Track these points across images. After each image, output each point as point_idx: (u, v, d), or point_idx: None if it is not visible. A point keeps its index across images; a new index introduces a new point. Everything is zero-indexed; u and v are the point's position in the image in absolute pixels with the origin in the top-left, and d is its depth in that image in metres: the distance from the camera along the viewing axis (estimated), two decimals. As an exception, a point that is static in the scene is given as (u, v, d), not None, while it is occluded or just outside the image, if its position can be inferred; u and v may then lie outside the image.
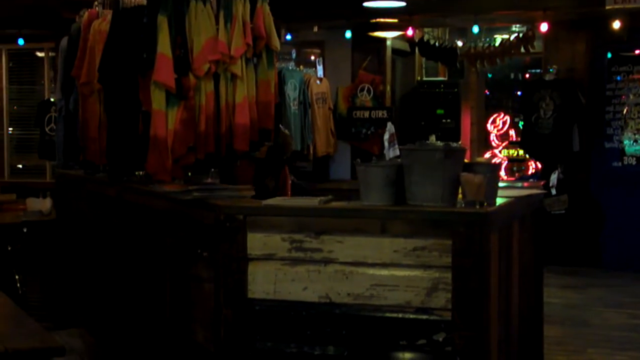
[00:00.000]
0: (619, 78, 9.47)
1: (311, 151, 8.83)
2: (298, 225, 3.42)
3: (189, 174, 4.59)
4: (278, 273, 3.44)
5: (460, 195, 3.42)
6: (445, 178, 3.34)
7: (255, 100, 4.44)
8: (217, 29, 4.27)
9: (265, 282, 3.46)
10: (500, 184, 4.37)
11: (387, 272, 3.32)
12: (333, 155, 9.37)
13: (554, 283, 8.31)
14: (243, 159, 4.90)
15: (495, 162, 3.28)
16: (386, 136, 9.92)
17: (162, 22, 4.21)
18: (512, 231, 3.82)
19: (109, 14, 5.12)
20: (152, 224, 4.38)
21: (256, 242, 3.46)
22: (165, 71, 4.15)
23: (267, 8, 4.47)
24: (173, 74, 4.17)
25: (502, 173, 11.83)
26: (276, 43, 4.45)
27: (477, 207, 3.31)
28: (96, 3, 5.53)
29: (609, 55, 9.47)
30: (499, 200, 3.61)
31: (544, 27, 8.83)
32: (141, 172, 4.83)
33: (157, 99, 4.20)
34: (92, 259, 5.58)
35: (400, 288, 3.30)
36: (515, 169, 11.64)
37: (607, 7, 8.05)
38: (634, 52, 9.41)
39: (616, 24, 8.79)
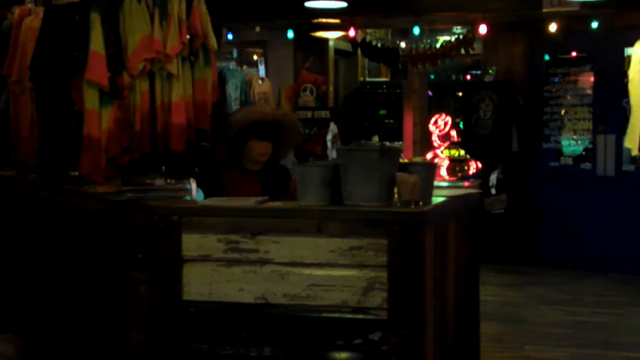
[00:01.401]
0: (556, 80, 9.63)
1: (253, 151, 8.78)
2: (234, 226, 3.39)
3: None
4: (213, 274, 3.41)
5: (396, 195, 3.43)
6: (381, 178, 3.34)
7: (192, 100, 4.38)
8: (153, 27, 4.21)
9: (201, 283, 3.42)
10: (442, 184, 4.41)
11: (324, 272, 3.31)
12: (275, 155, 9.34)
13: (492, 281, 8.42)
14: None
15: (430, 162, 3.30)
16: (329, 136, 9.97)
17: (95, 19, 4.14)
18: (448, 230, 3.85)
19: (41, 11, 5.02)
20: (86, 226, 4.31)
21: (191, 243, 3.42)
22: (98, 69, 4.08)
23: (204, 7, 4.42)
24: (106, 72, 4.10)
25: (444, 173, 11.95)
26: (213, 42, 4.40)
27: (413, 206, 3.32)
28: (28, 0, 5.42)
29: (547, 57, 9.63)
30: (435, 200, 3.63)
31: (482, 29, 8.93)
32: (75, 173, 4.74)
33: (90, 98, 4.13)
34: (24, 262, 5.46)
35: (336, 288, 3.30)
36: (457, 169, 11.76)
37: (544, 10, 8.19)
38: (570, 54, 9.59)
39: (553, 27, 8.93)
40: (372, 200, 3.34)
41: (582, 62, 9.49)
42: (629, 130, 6.47)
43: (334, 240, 3.29)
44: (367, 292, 3.27)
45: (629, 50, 6.82)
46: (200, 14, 4.38)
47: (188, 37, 4.36)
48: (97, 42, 4.12)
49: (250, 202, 3.50)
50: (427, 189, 3.52)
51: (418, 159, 9.13)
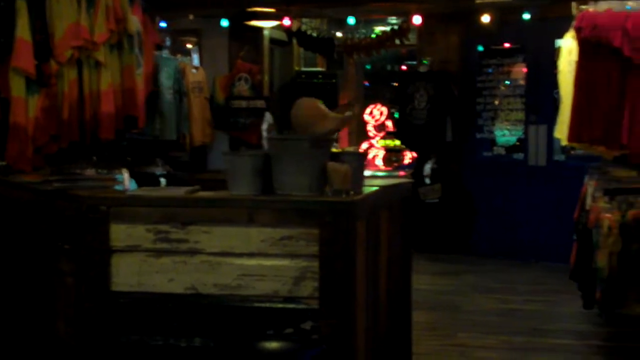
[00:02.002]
0: (490, 70, 9.76)
1: (187, 141, 8.71)
2: (163, 216, 3.35)
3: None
4: (143, 265, 3.36)
5: (327, 185, 3.42)
6: (312, 167, 3.33)
7: (120, 88, 4.32)
8: (79, 15, 4.12)
9: (130, 274, 3.37)
10: (377, 174, 4.44)
11: (255, 262, 3.29)
12: (210, 145, 9.28)
13: (426, 270, 8.52)
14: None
15: (361, 152, 3.31)
16: (264, 126, 9.88)
17: (21, 6, 4.05)
18: (379, 219, 3.86)
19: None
20: (12, 216, 4.20)
21: (120, 233, 3.36)
22: (24, 57, 4.00)
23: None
24: (33, 59, 4.02)
25: (380, 163, 12.02)
26: (131, 27, 4.34)
27: (344, 196, 3.32)
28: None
29: (480, 48, 9.75)
30: (367, 189, 3.63)
31: (417, 19, 9.00)
32: (3, 162, 4.63)
33: (16, 86, 4.04)
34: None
35: (267, 278, 3.29)
36: (394, 159, 11.84)
37: (477, 1, 8.29)
38: (503, 45, 9.72)
39: (485, 18, 9.05)
40: (304, 189, 3.33)
41: (515, 53, 9.63)
42: (558, 121, 6.59)
43: (265, 230, 3.27)
44: (299, 281, 3.26)
45: (559, 42, 6.94)
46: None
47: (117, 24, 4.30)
48: (23, 29, 4.03)
49: (180, 191, 3.46)
50: (358, 178, 3.52)
51: (350, 149, 9.16)
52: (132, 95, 4.40)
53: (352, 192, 3.36)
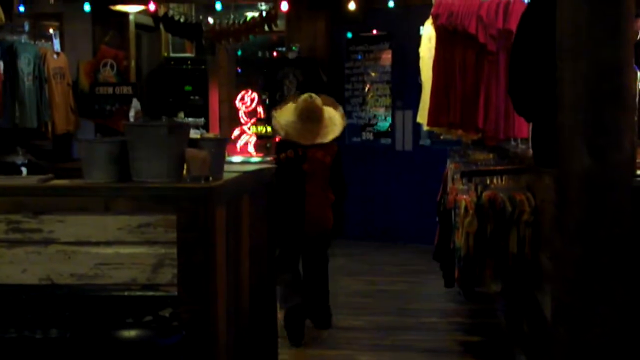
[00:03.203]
0: (360, 57, 9.91)
1: (49, 129, 8.45)
2: (15, 205, 3.25)
3: None
4: (-6, 256, 3.25)
5: (186, 171, 3.40)
6: (170, 154, 3.31)
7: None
8: None
9: (-20, 266, 3.25)
10: (252, 160, 4.43)
11: (112, 251, 3.25)
12: (74, 133, 9.03)
13: (298, 255, 8.56)
14: None
15: (220, 138, 3.31)
16: (132, 113, 9.72)
17: None
18: (241, 205, 3.87)
19: None
20: None
21: (-32, 224, 3.24)
22: None
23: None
24: None
25: (252, 150, 12.00)
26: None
27: (202, 182, 3.31)
28: None
29: (349, 35, 9.89)
30: (228, 175, 3.63)
31: (284, 5, 9.03)
32: None
33: None
34: None
35: (125, 266, 3.25)
36: (268, 145, 11.85)
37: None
38: (371, 32, 9.89)
39: (351, 5, 9.18)
40: (161, 176, 3.30)
41: (382, 40, 9.82)
42: (420, 106, 6.77)
43: (122, 217, 3.23)
44: (157, 268, 3.24)
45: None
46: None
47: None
48: None
49: (32, 180, 3.36)
50: (218, 164, 3.52)
51: (210, 135, 9.13)
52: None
53: (210, 178, 3.36)
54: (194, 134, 7.47)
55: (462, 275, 4.96)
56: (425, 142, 9.36)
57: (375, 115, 9.87)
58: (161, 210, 3.21)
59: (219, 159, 3.53)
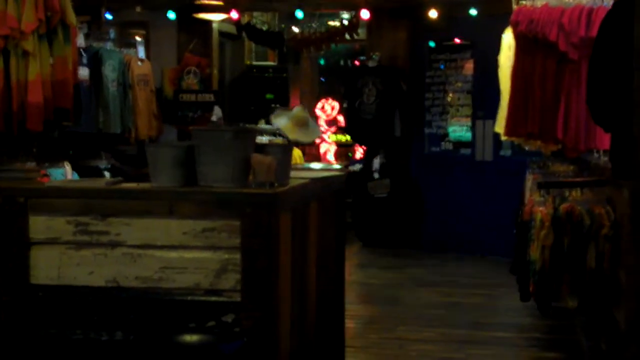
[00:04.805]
0: (442, 66, 9.80)
1: (132, 134, 8.62)
2: (84, 207, 3.30)
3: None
4: (62, 257, 3.31)
5: (251, 177, 3.40)
6: (235, 159, 3.31)
7: (50, 78, 4.25)
8: (6, 3, 4.05)
9: (49, 267, 3.32)
10: (333, 167, 4.41)
11: (176, 255, 3.26)
12: (157, 138, 9.20)
13: (373, 264, 8.56)
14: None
15: (286, 144, 3.30)
16: (213, 119, 9.83)
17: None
18: (308, 212, 3.85)
19: None
20: None
21: (39, 225, 3.31)
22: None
23: (61, -18, 4.29)
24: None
25: (332, 158, 12.01)
26: (72, 18, 4.28)
27: (267, 188, 3.30)
28: None
29: (432, 44, 9.79)
30: (295, 182, 3.62)
31: (365, 14, 9.01)
32: None
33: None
34: None
35: (189, 270, 3.26)
36: (350, 154, 11.87)
37: (424, -4, 8.31)
38: (454, 40, 9.77)
39: (433, 13, 9.09)
40: (226, 181, 3.31)
41: (464, 49, 9.69)
42: (498, 116, 6.64)
43: (186, 222, 3.24)
44: (221, 274, 3.23)
45: (504, 38, 6.98)
46: (57, -11, 4.25)
47: (49, 14, 4.22)
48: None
49: (100, 183, 3.41)
50: (284, 170, 3.51)
51: (278, 141, 9.14)
52: (64, 87, 4.33)
53: (276, 184, 3.35)
54: (272, 139, 7.51)
55: (537, 289, 4.82)
56: (506, 152, 9.18)
57: (457, 125, 9.74)
58: (225, 215, 3.21)
59: (285, 165, 3.52)
